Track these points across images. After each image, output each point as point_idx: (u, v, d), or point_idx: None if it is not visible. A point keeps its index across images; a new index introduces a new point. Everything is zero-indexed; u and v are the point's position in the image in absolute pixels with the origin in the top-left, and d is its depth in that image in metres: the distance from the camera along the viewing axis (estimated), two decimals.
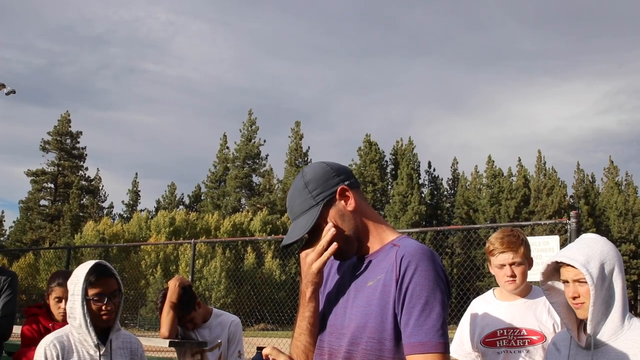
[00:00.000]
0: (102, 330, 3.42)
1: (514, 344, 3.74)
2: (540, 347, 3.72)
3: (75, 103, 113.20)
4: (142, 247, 42.83)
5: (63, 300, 4.51)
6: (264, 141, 65.74)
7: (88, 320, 3.35)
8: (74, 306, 3.38)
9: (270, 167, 66.28)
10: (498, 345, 3.77)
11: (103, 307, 3.40)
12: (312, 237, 2.35)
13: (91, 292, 3.38)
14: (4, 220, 69.32)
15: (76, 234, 51.61)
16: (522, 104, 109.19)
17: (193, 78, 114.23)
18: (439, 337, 2.08)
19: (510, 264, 3.74)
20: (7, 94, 36.05)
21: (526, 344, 3.73)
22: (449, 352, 2.11)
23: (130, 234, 49.72)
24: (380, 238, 2.33)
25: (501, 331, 3.78)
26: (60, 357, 3.33)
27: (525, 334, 3.73)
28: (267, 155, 66.86)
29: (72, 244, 41.11)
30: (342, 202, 2.32)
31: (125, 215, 65.55)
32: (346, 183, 2.34)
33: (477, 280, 37.12)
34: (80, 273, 3.42)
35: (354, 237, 2.31)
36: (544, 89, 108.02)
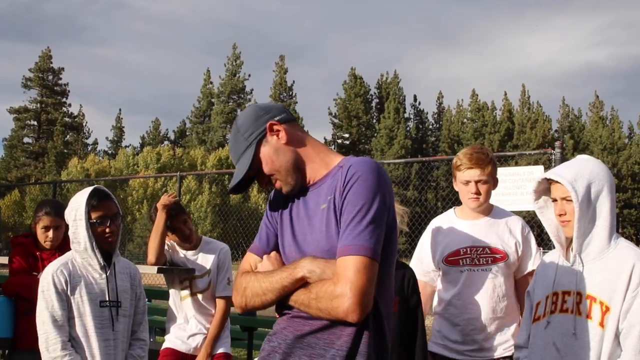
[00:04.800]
0: (104, 254, 3.46)
1: (477, 262, 3.75)
2: (503, 265, 3.75)
3: (59, 39, 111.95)
4: (129, 183, 42.78)
5: (51, 229, 4.52)
6: (249, 76, 65.34)
7: (93, 243, 3.40)
8: (78, 231, 3.42)
9: (255, 102, 65.83)
10: (461, 263, 3.78)
11: (107, 230, 3.45)
12: (256, 175, 2.39)
13: (94, 215, 3.43)
14: None
15: (61, 171, 51.47)
16: (512, 38, 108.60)
17: (181, 13, 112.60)
18: (367, 242, 2.08)
19: (476, 181, 3.73)
20: None
21: (489, 262, 3.75)
22: (377, 259, 2.10)
23: (116, 170, 49.61)
24: (325, 163, 2.36)
25: (464, 249, 3.78)
26: (68, 282, 3.38)
27: (489, 252, 3.75)
28: (252, 90, 66.43)
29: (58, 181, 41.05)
30: (274, 137, 2.35)
31: (110, 152, 65.30)
32: (276, 118, 2.37)
33: None
34: (80, 199, 3.45)
35: (293, 168, 2.34)
36: (534, 23, 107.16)
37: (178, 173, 12.91)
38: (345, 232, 2.12)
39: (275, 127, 2.35)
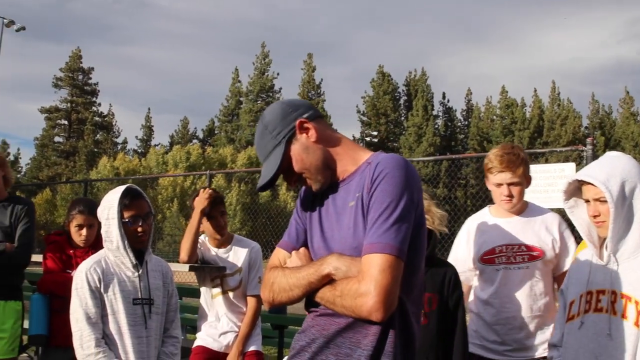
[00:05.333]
0: (136, 252, 3.49)
1: (513, 260, 3.72)
2: (540, 263, 3.72)
3: (87, 39, 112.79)
4: (158, 182, 43.01)
5: (84, 228, 4.57)
6: (278, 74, 65.30)
7: (126, 242, 3.43)
8: (110, 230, 3.45)
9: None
10: (497, 262, 3.75)
11: (139, 229, 3.47)
12: (285, 174, 2.38)
13: (126, 214, 3.45)
14: (20, 158, 69.68)
15: (92, 170, 51.87)
16: (542, 34, 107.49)
17: (206, 11, 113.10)
18: (392, 240, 2.08)
19: (508, 184, 3.71)
20: (17, 30, 36.09)
21: (526, 259, 3.72)
22: (403, 258, 2.09)
23: (145, 169, 49.91)
24: (354, 159, 2.35)
25: (500, 248, 3.76)
26: (101, 280, 3.41)
27: (525, 249, 3.72)
28: (281, 89, 66.37)
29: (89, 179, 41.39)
30: (304, 135, 2.34)
31: (140, 151, 65.68)
32: (304, 116, 2.36)
33: None
34: (112, 197, 3.48)
35: (323, 166, 2.34)
36: (564, 17, 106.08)
37: (208, 172, 12.98)
38: (372, 229, 2.11)
39: (305, 125, 2.35)
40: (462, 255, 3.93)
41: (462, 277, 3.86)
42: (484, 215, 3.96)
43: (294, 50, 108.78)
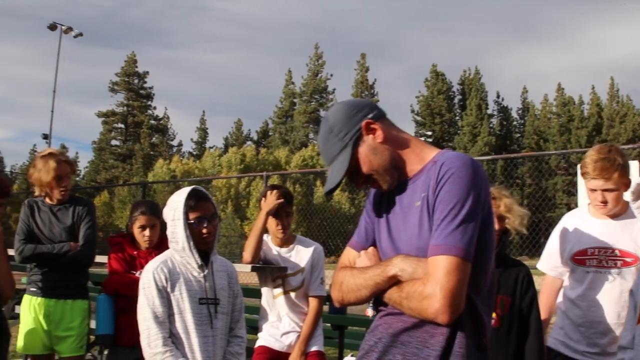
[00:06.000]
0: (201, 253, 3.51)
1: (605, 265, 3.60)
2: (634, 269, 3.56)
3: (142, 44, 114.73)
4: (213, 183, 43.41)
5: (147, 228, 4.63)
6: (331, 75, 65.39)
7: (191, 243, 3.45)
8: (176, 231, 3.47)
9: (337, 101, 65.71)
10: (587, 264, 3.65)
11: (204, 230, 3.49)
12: (351, 176, 2.36)
13: (192, 216, 3.47)
14: (79, 161, 71.04)
15: (148, 172, 52.62)
16: (599, 30, 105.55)
17: (258, 14, 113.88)
18: (459, 241, 2.06)
19: (602, 190, 3.58)
20: (75, 36, 36.76)
21: (618, 265, 3.59)
22: (469, 260, 2.06)
23: (201, 171, 50.41)
24: (420, 158, 2.32)
25: (592, 250, 3.64)
26: (168, 280, 3.44)
27: (618, 254, 3.58)
28: (334, 90, 66.44)
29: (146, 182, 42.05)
30: (370, 136, 2.31)
31: (195, 153, 66.40)
32: (369, 116, 2.33)
33: (549, 211, 36.56)
34: (178, 199, 3.50)
35: (391, 167, 2.31)
36: (620, 13, 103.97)
37: (264, 173, 13.06)
38: (437, 231, 2.09)
39: (372, 126, 2.32)
40: (555, 250, 3.84)
41: (554, 273, 3.80)
42: (582, 213, 3.85)
43: (347, 51, 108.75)
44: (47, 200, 4.90)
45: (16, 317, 6.76)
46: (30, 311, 4.71)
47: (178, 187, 32.19)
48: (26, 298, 4.78)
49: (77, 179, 62.05)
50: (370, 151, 2.31)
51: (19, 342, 4.77)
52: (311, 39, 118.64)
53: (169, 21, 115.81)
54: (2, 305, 4.57)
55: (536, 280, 3.57)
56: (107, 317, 4.52)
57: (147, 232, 4.64)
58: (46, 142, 35.44)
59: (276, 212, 4.66)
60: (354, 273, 2.30)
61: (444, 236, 2.07)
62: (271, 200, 4.66)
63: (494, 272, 2.29)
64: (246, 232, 36.38)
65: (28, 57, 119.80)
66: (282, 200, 4.66)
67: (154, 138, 66.39)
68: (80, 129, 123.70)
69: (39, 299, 4.72)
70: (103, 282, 4.70)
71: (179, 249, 3.48)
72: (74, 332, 4.72)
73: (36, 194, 4.93)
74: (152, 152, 63.21)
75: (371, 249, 2.37)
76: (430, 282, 2.04)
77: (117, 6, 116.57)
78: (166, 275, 3.44)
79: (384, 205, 2.40)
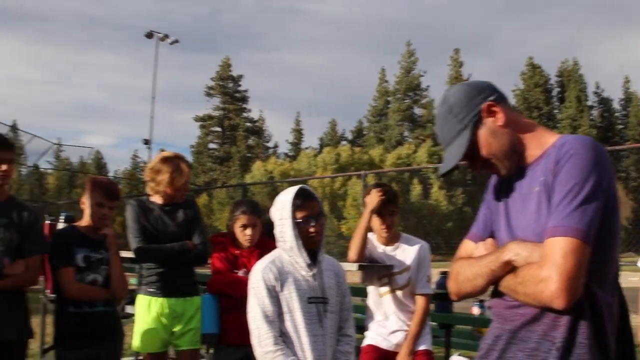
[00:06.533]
0: (309, 252, 3.49)
1: None
2: None
3: (235, 48, 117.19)
4: (309, 183, 43.74)
5: (249, 228, 4.64)
6: (424, 72, 64.93)
7: (299, 242, 3.44)
8: (284, 230, 3.47)
9: (432, 98, 65.32)
10: None
11: (311, 229, 3.48)
12: (469, 159, 2.31)
13: (299, 215, 3.46)
14: None
15: (246, 174, 53.49)
16: None
17: (349, 14, 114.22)
18: (577, 223, 1.96)
19: None
20: (171, 43, 37.64)
21: None
22: (589, 243, 1.96)
23: (296, 172, 50.88)
24: (540, 143, 2.24)
25: None
26: (277, 279, 3.44)
27: None
28: (428, 87, 65.91)
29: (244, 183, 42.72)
30: (491, 119, 2.25)
31: (291, 154, 67.08)
32: (491, 99, 2.27)
33: None
34: (285, 198, 3.51)
35: (510, 151, 2.25)
36: None
37: (362, 172, 13.03)
38: (555, 212, 2.01)
39: (492, 109, 2.25)
40: None
41: None
42: None
43: (439, 47, 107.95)
44: (155, 200, 4.95)
45: (127, 317, 6.93)
46: (150, 311, 4.77)
47: (275, 189, 32.58)
48: (143, 299, 4.84)
49: None
50: (490, 134, 2.25)
51: (135, 341, 4.85)
52: (403, 36, 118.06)
53: (261, 24, 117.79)
54: (116, 306, 4.68)
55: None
56: (212, 316, 4.56)
57: (248, 231, 4.65)
58: (147, 147, 36.43)
59: (380, 211, 4.62)
60: (470, 262, 2.26)
61: (562, 217, 1.99)
62: (374, 198, 4.61)
63: (617, 262, 2.18)
64: (343, 232, 36.49)
65: (127, 66, 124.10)
66: (384, 198, 4.60)
67: (250, 140, 67.52)
68: (179, 133, 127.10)
69: (159, 298, 4.78)
70: (207, 282, 4.75)
71: (287, 248, 3.48)
72: (192, 327, 4.79)
73: (150, 192, 4.99)
74: (248, 154, 64.29)
75: (489, 240, 2.31)
76: (546, 264, 1.96)
77: (210, 12, 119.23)
78: (275, 275, 3.44)
79: (503, 193, 2.34)
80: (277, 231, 3.53)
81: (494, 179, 2.41)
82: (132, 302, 7.29)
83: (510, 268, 2.10)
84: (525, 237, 2.12)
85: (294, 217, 3.45)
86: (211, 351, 4.75)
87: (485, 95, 2.28)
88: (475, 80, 2.38)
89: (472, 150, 2.27)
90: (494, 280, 2.16)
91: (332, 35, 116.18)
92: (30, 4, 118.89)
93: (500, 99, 2.29)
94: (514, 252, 2.09)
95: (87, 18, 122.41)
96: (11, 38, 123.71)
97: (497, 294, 2.23)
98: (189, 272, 4.98)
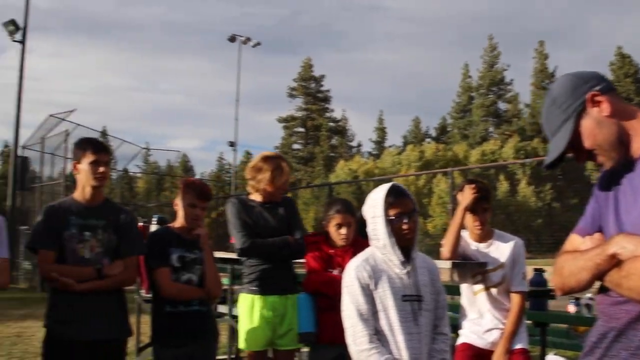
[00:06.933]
0: (403, 250, 3.46)
1: None
2: None
3: (317, 48, 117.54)
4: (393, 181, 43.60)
5: (343, 227, 4.65)
6: (508, 66, 63.88)
7: (393, 240, 3.41)
8: (377, 227, 3.45)
9: (516, 92, 64.22)
10: None
11: (404, 226, 3.44)
12: (574, 150, 2.24)
13: (391, 212, 3.43)
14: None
15: (329, 174, 53.70)
16: None
17: (432, 10, 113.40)
18: None
19: None
20: (254, 46, 38.20)
21: None
22: None
23: (380, 170, 50.78)
24: None
25: None
26: (371, 277, 3.41)
27: None
28: (512, 80, 64.82)
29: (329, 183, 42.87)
30: (595, 109, 2.17)
31: (374, 153, 66.99)
32: (596, 89, 2.19)
33: None
34: (377, 196, 3.48)
35: (617, 142, 2.16)
36: None
37: (450, 169, 12.91)
38: None
39: (597, 98, 2.18)
40: None
41: None
42: None
43: (523, 40, 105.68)
44: (255, 197, 5.01)
45: (219, 316, 7.04)
46: (254, 310, 4.79)
47: (360, 187, 32.62)
48: (246, 297, 4.86)
49: None
50: (595, 125, 2.18)
51: (240, 340, 4.89)
52: (484, 30, 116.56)
53: (342, 24, 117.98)
54: (210, 305, 4.74)
55: None
56: (309, 315, 4.60)
57: (343, 230, 4.66)
58: (232, 149, 36.98)
59: (473, 208, 4.56)
60: (575, 256, 2.19)
61: None
62: (468, 195, 4.56)
63: None
64: (429, 230, 36.25)
65: (211, 70, 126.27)
66: (477, 195, 4.54)
67: (333, 140, 67.78)
68: (263, 135, 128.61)
69: (263, 297, 4.81)
70: (303, 282, 4.77)
71: (380, 245, 3.45)
72: (294, 325, 4.80)
73: (250, 190, 5.04)
74: (332, 154, 64.52)
75: (597, 234, 2.23)
76: None
77: (291, 13, 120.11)
78: (369, 273, 3.41)
79: (612, 186, 2.25)
80: (369, 229, 3.51)
81: (603, 172, 2.33)
82: (223, 301, 7.41)
83: (615, 262, 2.03)
84: (634, 231, 2.05)
85: (386, 215, 3.42)
86: (304, 350, 4.77)
87: (591, 85, 2.21)
88: (582, 71, 2.31)
89: (577, 142, 2.21)
90: (599, 275, 2.09)
91: (412, 32, 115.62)
92: (117, 14, 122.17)
93: (607, 89, 2.22)
94: (620, 245, 2.02)
95: (171, 25, 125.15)
96: (98, 47, 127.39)
97: (602, 290, 2.16)
98: (288, 268, 4.99)
